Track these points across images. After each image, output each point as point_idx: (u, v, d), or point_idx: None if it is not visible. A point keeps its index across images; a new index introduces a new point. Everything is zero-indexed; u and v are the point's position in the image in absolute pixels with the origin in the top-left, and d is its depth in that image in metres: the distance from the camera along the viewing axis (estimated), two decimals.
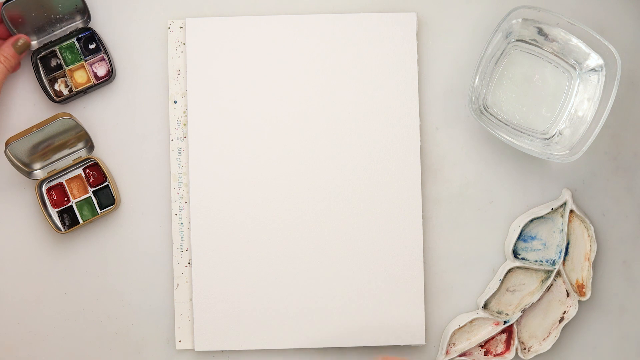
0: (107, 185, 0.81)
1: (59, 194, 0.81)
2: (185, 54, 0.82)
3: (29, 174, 0.80)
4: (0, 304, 0.82)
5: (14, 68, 0.79)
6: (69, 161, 0.81)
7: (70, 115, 0.78)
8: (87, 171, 0.81)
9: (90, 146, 0.81)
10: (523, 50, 0.81)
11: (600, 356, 0.83)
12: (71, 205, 0.81)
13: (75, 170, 0.81)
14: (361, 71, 0.82)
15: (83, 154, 0.81)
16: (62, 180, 0.81)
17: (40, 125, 0.77)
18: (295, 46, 0.82)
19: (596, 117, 0.78)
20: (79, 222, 0.81)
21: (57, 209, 0.81)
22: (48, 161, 0.80)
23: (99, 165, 0.81)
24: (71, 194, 0.81)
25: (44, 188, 0.81)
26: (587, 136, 0.78)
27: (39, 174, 0.80)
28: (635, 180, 0.83)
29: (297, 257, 0.81)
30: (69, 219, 0.81)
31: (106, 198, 0.81)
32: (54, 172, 0.80)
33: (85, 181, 0.81)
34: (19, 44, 0.78)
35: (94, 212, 0.81)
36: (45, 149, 0.79)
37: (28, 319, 0.82)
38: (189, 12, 0.83)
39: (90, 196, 0.81)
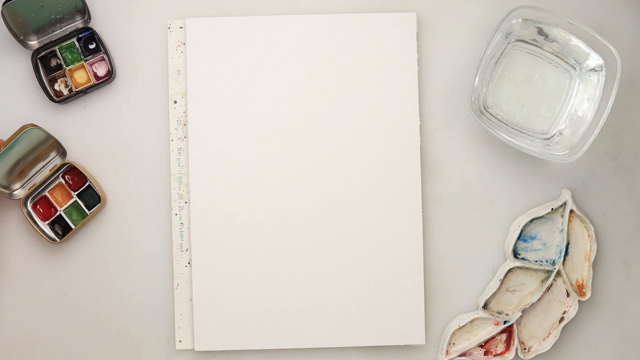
0: (89, 185, 0.81)
1: (44, 206, 0.81)
2: (185, 54, 0.82)
3: (10, 194, 0.80)
4: (0, 304, 0.82)
5: None
6: (46, 172, 0.80)
7: (35, 125, 0.77)
8: (66, 177, 0.81)
9: (62, 152, 0.80)
10: (523, 50, 0.81)
11: (600, 356, 0.83)
12: (60, 214, 0.81)
13: (55, 180, 0.81)
14: (361, 71, 0.82)
15: (57, 161, 0.81)
16: (45, 192, 0.81)
17: (7, 143, 0.76)
18: (295, 46, 0.82)
19: (596, 117, 0.78)
20: (71, 229, 0.81)
21: (47, 221, 0.81)
22: (26, 178, 0.80)
23: (77, 168, 0.80)
24: (57, 203, 0.81)
25: (29, 204, 0.80)
26: (587, 136, 0.78)
27: (20, 192, 0.80)
28: (635, 180, 0.83)
29: (297, 257, 0.81)
30: (60, 228, 0.81)
31: (92, 198, 0.81)
32: (34, 187, 0.80)
33: (67, 187, 0.81)
34: None
35: (83, 215, 0.81)
36: (21, 168, 0.79)
37: (28, 319, 0.82)
38: (189, 12, 0.83)
39: (76, 200, 0.81)
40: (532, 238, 0.82)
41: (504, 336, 0.82)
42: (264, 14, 0.83)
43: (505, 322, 0.81)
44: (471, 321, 0.81)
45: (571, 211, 0.81)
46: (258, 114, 0.81)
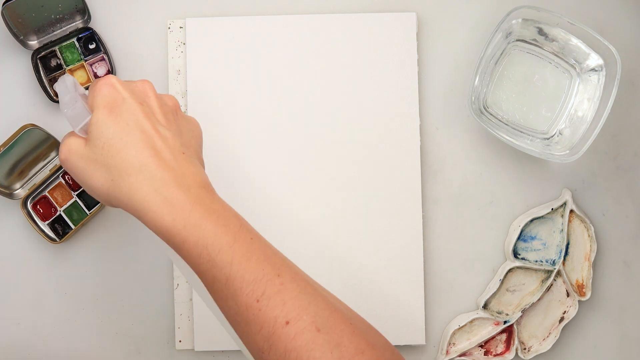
0: None
1: (44, 206, 0.81)
2: (185, 54, 0.82)
3: (10, 195, 0.80)
4: (0, 304, 0.82)
5: None
6: (46, 172, 0.80)
7: (35, 125, 0.77)
8: (66, 177, 0.81)
9: None
10: (523, 50, 0.81)
11: (600, 356, 0.83)
12: (60, 214, 0.81)
13: (55, 180, 0.81)
14: (361, 71, 0.82)
15: (57, 161, 0.81)
16: (45, 192, 0.81)
17: (6, 143, 0.76)
18: (295, 46, 0.82)
19: (596, 117, 0.78)
20: (71, 229, 0.81)
21: (47, 222, 0.81)
22: (26, 178, 0.80)
23: None
24: (57, 203, 0.81)
25: (29, 204, 0.80)
26: (587, 136, 0.78)
27: (20, 192, 0.80)
28: (635, 180, 0.83)
29: (296, 257, 0.81)
30: (60, 228, 0.81)
31: (92, 198, 0.81)
32: (34, 187, 0.80)
33: (67, 187, 0.81)
34: None
35: (83, 215, 0.81)
36: (21, 168, 0.79)
37: (28, 319, 0.82)
38: (189, 12, 0.83)
39: (76, 200, 0.81)
40: (532, 238, 0.82)
41: (504, 336, 0.82)
42: (264, 14, 0.83)
43: (505, 322, 0.81)
44: (471, 321, 0.81)
45: (571, 211, 0.81)
46: (258, 114, 0.81)
